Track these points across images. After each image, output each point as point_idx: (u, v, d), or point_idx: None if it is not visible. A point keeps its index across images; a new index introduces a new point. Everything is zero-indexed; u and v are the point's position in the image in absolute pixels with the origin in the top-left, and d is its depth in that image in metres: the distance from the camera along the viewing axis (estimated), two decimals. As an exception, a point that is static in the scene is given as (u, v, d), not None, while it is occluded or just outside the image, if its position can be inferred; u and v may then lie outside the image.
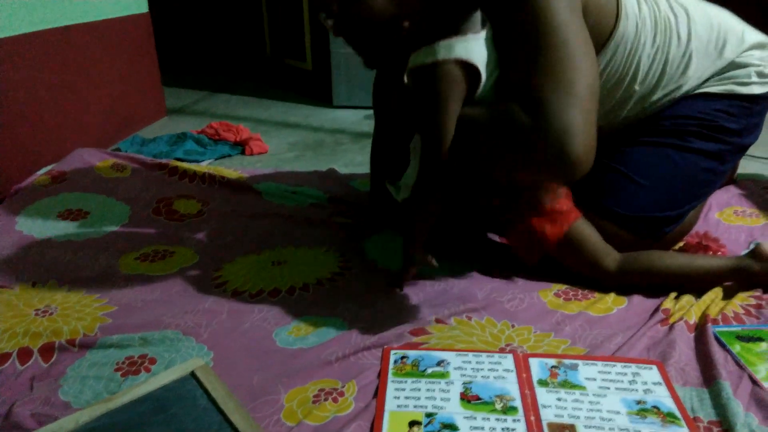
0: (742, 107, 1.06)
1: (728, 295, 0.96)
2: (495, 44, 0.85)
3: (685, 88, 1.04)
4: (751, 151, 1.67)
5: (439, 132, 0.83)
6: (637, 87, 1.01)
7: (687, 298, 0.95)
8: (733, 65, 1.05)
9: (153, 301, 0.97)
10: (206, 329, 0.89)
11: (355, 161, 1.79)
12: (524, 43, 0.81)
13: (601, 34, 0.94)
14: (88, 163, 1.48)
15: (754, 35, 1.09)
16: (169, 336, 0.86)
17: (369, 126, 2.12)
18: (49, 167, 1.47)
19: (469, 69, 0.82)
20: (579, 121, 0.78)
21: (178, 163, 1.54)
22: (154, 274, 1.06)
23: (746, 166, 1.58)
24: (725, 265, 0.98)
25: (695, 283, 0.98)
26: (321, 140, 2.01)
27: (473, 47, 0.82)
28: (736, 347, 0.84)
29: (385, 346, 0.84)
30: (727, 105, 1.04)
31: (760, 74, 1.06)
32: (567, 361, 0.81)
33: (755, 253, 0.98)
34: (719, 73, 1.06)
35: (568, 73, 0.80)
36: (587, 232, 0.98)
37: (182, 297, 0.98)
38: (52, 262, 1.09)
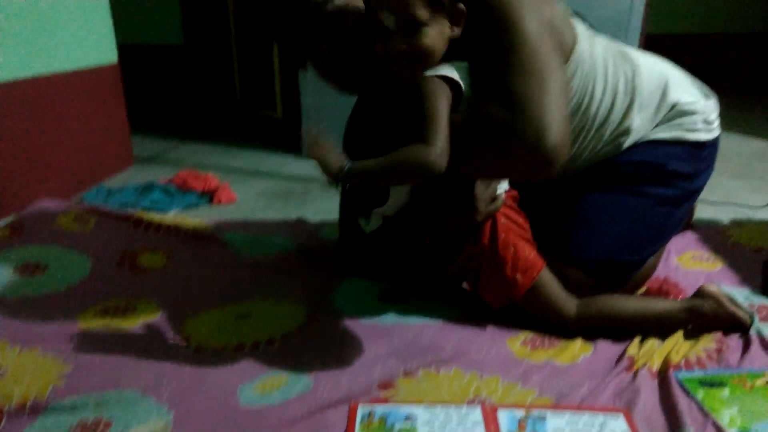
0: (691, 153, 1.11)
1: (689, 339, 0.98)
2: (472, 61, 0.91)
3: (633, 132, 1.08)
4: (706, 197, 1.75)
5: (437, 121, 0.86)
6: (592, 111, 1.05)
7: (650, 344, 0.96)
8: (681, 113, 1.11)
9: (111, 359, 0.93)
10: (167, 388, 0.86)
11: (324, 209, 1.79)
12: (499, 50, 0.88)
13: (563, 53, 0.99)
14: (49, 215, 1.45)
15: (696, 84, 1.17)
16: (126, 396, 0.83)
17: (339, 174, 2.14)
18: (8, 219, 1.44)
19: (452, 83, 0.89)
20: (553, 111, 0.84)
21: (144, 214, 1.52)
22: (114, 330, 1.02)
23: (702, 212, 1.64)
24: (679, 307, 1.01)
25: (653, 326, 1.00)
26: (290, 189, 2.01)
27: (452, 71, 0.91)
28: (700, 393, 0.85)
29: (352, 402, 0.82)
30: (678, 151, 1.10)
31: (706, 121, 1.12)
32: (535, 412, 0.81)
33: (701, 294, 1.01)
34: (668, 120, 1.11)
35: (539, 69, 0.86)
36: (549, 280, 1.00)
37: (142, 354, 0.95)
38: (4, 320, 1.04)
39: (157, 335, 1.01)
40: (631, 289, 1.11)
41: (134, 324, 1.05)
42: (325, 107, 2.37)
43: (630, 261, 1.07)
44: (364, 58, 0.97)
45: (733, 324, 1.00)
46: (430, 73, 0.89)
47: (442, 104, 0.87)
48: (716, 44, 3.86)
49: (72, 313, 1.08)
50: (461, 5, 0.89)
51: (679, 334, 0.99)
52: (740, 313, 1.00)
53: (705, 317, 0.99)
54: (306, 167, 2.27)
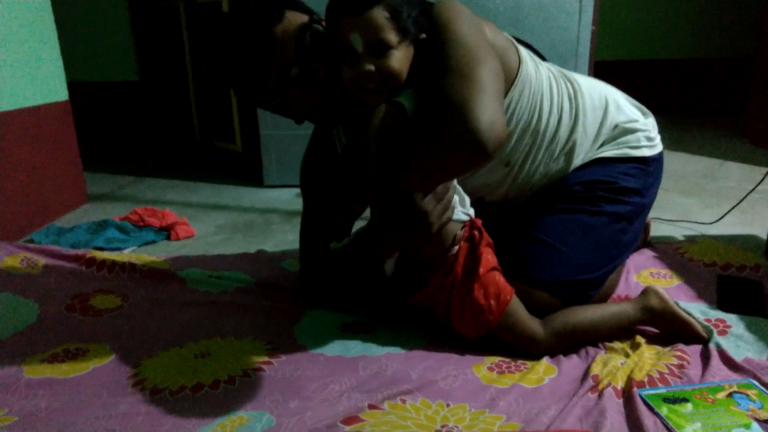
0: (637, 169, 1.16)
1: (651, 356, 0.99)
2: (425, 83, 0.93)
3: (580, 148, 1.13)
4: (660, 214, 1.81)
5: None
6: (542, 128, 1.08)
7: (614, 362, 0.97)
8: (624, 131, 1.17)
9: (59, 408, 0.88)
10: (120, 436, 0.81)
11: (286, 240, 1.77)
12: (436, 61, 0.91)
13: (509, 73, 1.03)
14: (-6, 259, 1.38)
15: (634, 103, 1.24)
16: (75, 448, 0.78)
17: (300, 204, 2.11)
18: (-51, 265, 1.36)
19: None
20: (483, 99, 0.84)
21: (96, 253, 1.46)
22: (63, 377, 0.97)
23: (658, 230, 1.69)
24: (632, 306, 1.06)
25: (614, 328, 1.04)
26: (251, 221, 1.98)
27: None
28: (664, 410, 0.86)
29: (318, 439, 0.79)
30: (625, 168, 1.14)
31: (648, 138, 1.19)
32: (504, 439, 0.80)
33: (647, 292, 1.07)
34: (612, 139, 1.16)
35: (469, 66, 0.88)
36: (518, 304, 1.01)
37: (94, 401, 0.90)
38: (-57, 373, 0.98)
39: (109, 379, 0.96)
40: None
41: (85, 369, 0.99)
42: (284, 138, 2.37)
43: (592, 279, 1.09)
44: (336, 98, 0.99)
45: (681, 327, 1.04)
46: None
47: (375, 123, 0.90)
48: (661, 69, 4.04)
49: (17, 361, 1.01)
50: (423, 35, 0.92)
51: (640, 351, 1.00)
52: (683, 315, 1.04)
53: (656, 313, 1.05)
54: (267, 198, 2.25)
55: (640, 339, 1.04)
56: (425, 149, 0.86)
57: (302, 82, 0.97)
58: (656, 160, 1.20)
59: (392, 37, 0.87)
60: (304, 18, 0.97)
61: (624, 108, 1.19)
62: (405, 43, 0.89)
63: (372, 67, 0.87)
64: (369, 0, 0.86)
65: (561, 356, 1.01)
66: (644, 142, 1.18)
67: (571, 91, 1.13)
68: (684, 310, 1.06)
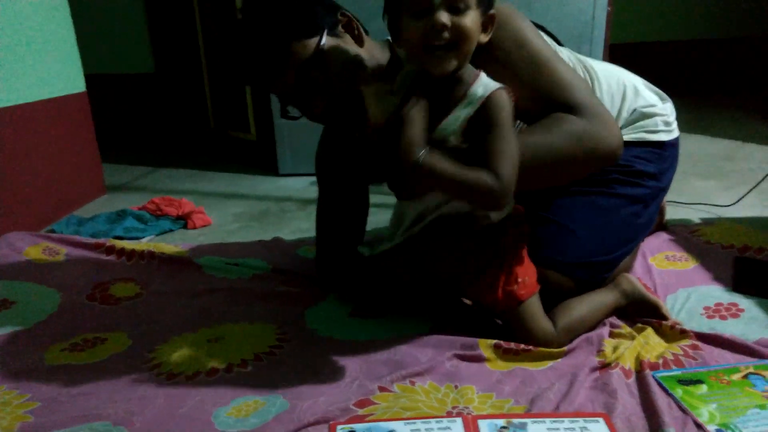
0: (653, 153, 1.15)
1: (660, 341, 0.99)
2: None
3: None
4: (677, 197, 1.78)
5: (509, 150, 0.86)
6: None
7: (617, 343, 0.97)
8: (642, 116, 1.16)
9: (80, 393, 0.91)
10: (139, 418, 0.84)
11: (301, 228, 1.78)
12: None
13: None
14: (16, 249, 1.42)
15: (652, 88, 1.22)
16: (97, 429, 0.81)
17: (315, 192, 2.10)
18: (-26, 255, 1.40)
19: None
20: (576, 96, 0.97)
21: (116, 242, 1.49)
22: (83, 364, 1.00)
23: (674, 213, 1.66)
24: (612, 292, 1.07)
25: (603, 317, 1.05)
26: (267, 209, 2.00)
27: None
28: (678, 391, 0.85)
29: (331, 422, 0.80)
30: (641, 151, 1.14)
31: (666, 123, 1.18)
32: (516, 421, 0.80)
33: (620, 278, 1.09)
34: (630, 124, 1.16)
35: (550, 67, 0.98)
36: (538, 301, 1.00)
37: (112, 385, 0.93)
38: (-31, 359, 1.01)
39: (127, 365, 0.99)
40: None
41: (104, 356, 1.02)
42: (299, 127, 2.37)
43: (606, 261, 1.08)
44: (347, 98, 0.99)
45: (649, 309, 1.06)
46: (482, 80, 0.86)
47: (512, 131, 0.85)
48: (678, 50, 3.96)
49: (39, 350, 1.05)
50: (493, 11, 0.87)
51: (646, 333, 1.00)
52: (651, 297, 1.06)
53: (628, 295, 1.07)
54: (282, 187, 2.27)
55: (646, 325, 1.03)
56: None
57: (309, 91, 0.99)
58: (673, 145, 1.19)
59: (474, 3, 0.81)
60: (312, 45, 0.97)
61: (642, 93, 1.18)
62: (480, 11, 0.83)
63: (446, 20, 0.80)
64: None
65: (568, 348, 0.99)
66: (661, 127, 1.17)
67: (588, 79, 1.12)
68: (651, 295, 1.08)
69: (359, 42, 1.04)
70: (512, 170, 0.83)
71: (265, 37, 0.96)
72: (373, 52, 1.05)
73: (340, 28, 1.02)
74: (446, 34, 0.81)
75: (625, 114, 1.15)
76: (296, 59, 0.96)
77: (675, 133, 1.20)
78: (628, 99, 1.15)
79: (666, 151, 1.17)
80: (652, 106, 1.17)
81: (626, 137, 1.13)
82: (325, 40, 0.97)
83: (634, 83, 1.19)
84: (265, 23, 0.97)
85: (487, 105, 0.85)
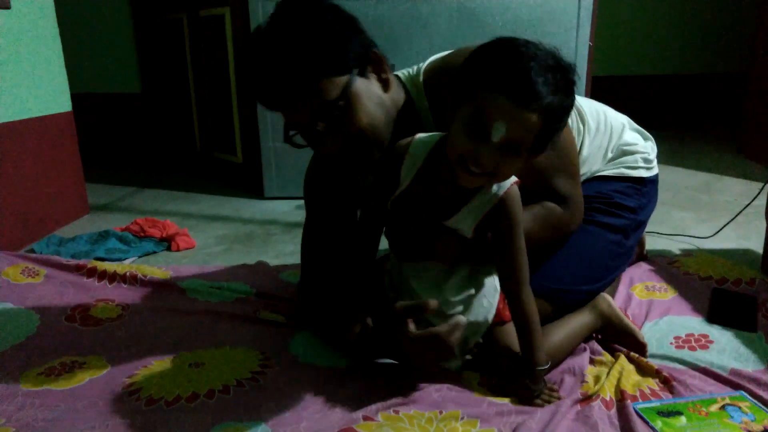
0: (633, 188, 1.20)
1: (631, 367, 1.01)
2: None
3: (583, 171, 1.16)
4: (657, 228, 1.82)
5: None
6: None
7: (596, 374, 0.99)
8: (623, 152, 1.21)
9: (56, 418, 0.89)
10: (116, 445, 0.82)
11: (286, 251, 1.78)
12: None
13: None
14: (-5, 268, 1.39)
15: (635, 127, 1.27)
16: (72, 457, 0.79)
17: (301, 216, 2.12)
18: (-50, 274, 1.37)
19: None
20: (571, 188, 1.06)
21: (98, 263, 1.47)
22: (60, 388, 0.97)
23: (654, 244, 1.70)
24: (589, 314, 1.08)
25: (581, 339, 1.06)
26: (251, 232, 1.99)
27: None
28: (658, 423, 0.86)
29: (313, 450, 0.80)
30: (621, 186, 1.18)
31: (646, 160, 1.22)
32: (499, 451, 0.80)
33: (599, 299, 1.10)
34: (612, 159, 1.21)
35: (574, 165, 1.06)
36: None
37: (89, 411, 0.91)
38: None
39: (104, 390, 0.97)
40: None
41: (81, 381, 1.00)
42: (285, 150, 2.39)
43: (589, 290, 1.10)
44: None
45: (625, 334, 1.07)
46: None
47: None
48: (657, 85, 4.07)
49: (15, 374, 1.02)
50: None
51: (621, 362, 1.01)
52: (628, 323, 1.07)
53: (605, 318, 1.08)
54: (267, 210, 2.26)
55: (619, 353, 1.05)
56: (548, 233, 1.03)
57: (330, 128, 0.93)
58: (652, 182, 1.24)
59: (527, 145, 0.79)
60: (341, 84, 0.90)
61: (625, 133, 1.23)
62: (528, 156, 0.82)
63: (495, 161, 0.79)
64: (538, 103, 0.76)
65: (551, 375, 1.00)
66: (641, 164, 1.22)
67: (576, 118, 1.15)
68: (627, 320, 1.09)
69: (385, 86, 0.98)
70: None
71: (293, 65, 0.87)
72: (393, 96, 1.00)
73: (369, 68, 0.95)
74: (485, 170, 0.80)
75: (609, 154, 1.21)
76: (321, 98, 0.89)
77: (654, 171, 1.25)
78: (614, 139, 1.20)
79: (645, 187, 1.22)
80: (634, 144, 1.22)
81: (607, 172, 1.19)
82: (354, 81, 0.91)
83: (622, 122, 1.24)
84: (296, 50, 0.87)
85: (505, 203, 0.89)
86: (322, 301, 1.13)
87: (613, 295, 1.23)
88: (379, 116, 0.95)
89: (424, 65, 1.05)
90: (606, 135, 1.20)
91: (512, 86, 0.76)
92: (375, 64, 0.96)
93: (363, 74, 0.94)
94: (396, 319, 0.89)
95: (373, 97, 0.94)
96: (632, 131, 1.26)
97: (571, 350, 1.04)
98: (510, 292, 0.93)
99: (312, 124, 0.92)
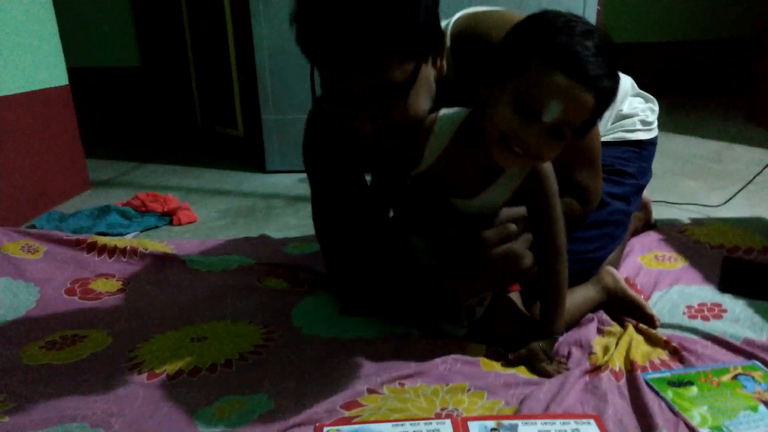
0: (632, 152, 1.18)
1: (640, 337, 0.99)
2: None
3: None
4: (667, 197, 1.79)
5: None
6: None
7: (604, 345, 0.97)
8: (621, 116, 1.19)
9: (57, 392, 0.88)
10: (118, 419, 0.81)
11: (288, 224, 1.76)
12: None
13: None
14: (-5, 244, 1.38)
15: (638, 90, 1.25)
16: (73, 431, 0.78)
17: (303, 189, 2.10)
18: (-51, 250, 1.36)
19: None
20: (592, 180, 1.02)
21: (98, 238, 1.46)
22: (61, 363, 0.96)
23: (664, 212, 1.66)
24: (593, 288, 1.05)
25: (585, 312, 1.04)
26: (253, 206, 1.97)
27: None
28: (669, 394, 0.85)
29: (317, 424, 0.78)
30: (621, 151, 1.16)
31: (644, 122, 1.20)
32: (506, 422, 0.79)
33: (603, 273, 1.08)
34: (611, 124, 1.19)
35: (598, 160, 1.01)
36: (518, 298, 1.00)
37: (91, 385, 0.90)
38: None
39: (107, 364, 0.96)
40: None
41: (82, 355, 0.99)
42: (287, 123, 2.35)
43: (595, 258, 1.08)
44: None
45: (632, 307, 1.05)
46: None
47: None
48: (666, 52, 3.98)
49: (16, 348, 1.01)
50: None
51: (629, 332, 1.00)
52: (634, 295, 1.05)
53: (610, 292, 1.05)
54: (269, 184, 2.24)
55: (627, 323, 1.03)
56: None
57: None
58: (652, 144, 1.22)
59: (576, 128, 0.75)
60: (409, 69, 0.80)
61: (626, 101, 1.21)
62: (573, 138, 0.77)
63: (541, 144, 0.74)
64: (599, 83, 0.72)
65: (558, 347, 0.98)
66: (639, 126, 1.20)
67: None
68: (634, 293, 1.07)
69: (439, 73, 0.88)
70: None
71: (373, 27, 0.74)
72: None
73: (434, 54, 0.85)
74: (530, 152, 0.76)
75: (609, 123, 1.19)
76: (387, 76, 0.78)
77: (654, 132, 1.22)
78: (616, 106, 1.18)
79: (645, 150, 1.20)
80: (634, 108, 1.21)
81: (607, 137, 1.17)
82: (422, 69, 0.81)
83: (626, 89, 1.21)
84: (380, 12, 0.74)
85: (538, 174, 0.85)
86: (357, 274, 1.08)
87: (617, 264, 1.21)
88: (428, 106, 0.86)
89: (451, 23, 0.93)
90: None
91: (573, 62, 0.70)
92: (440, 50, 0.87)
93: (428, 60, 0.84)
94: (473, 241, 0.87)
95: (430, 88, 0.86)
96: (633, 96, 1.24)
97: (573, 322, 1.02)
98: (545, 261, 0.90)
99: (361, 100, 0.80)
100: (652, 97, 1.26)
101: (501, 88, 0.76)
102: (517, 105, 0.73)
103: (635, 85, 1.26)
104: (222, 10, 2.39)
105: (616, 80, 0.76)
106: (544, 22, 0.74)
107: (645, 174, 1.21)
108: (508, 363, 0.93)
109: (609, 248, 1.12)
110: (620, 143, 1.17)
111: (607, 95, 0.74)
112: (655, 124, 1.23)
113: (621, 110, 1.19)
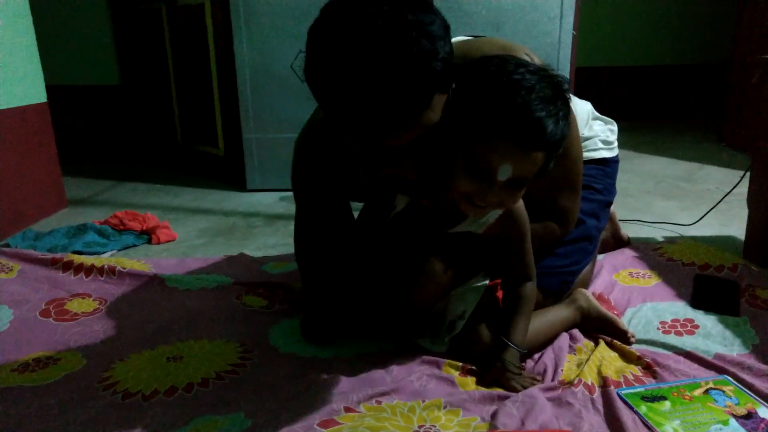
0: (598, 169, 1.23)
1: (614, 353, 1.01)
2: None
3: None
4: (641, 216, 1.83)
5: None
6: None
7: (576, 361, 0.98)
8: (583, 138, 1.23)
9: (29, 415, 0.86)
10: (91, 441, 0.80)
11: (268, 243, 1.75)
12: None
13: None
14: (-34, 263, 1.35)
15: (597, 115, 1.31)
16: (45, 454, 0.76)
17: (283, 207, 2.10)
18: None
19: None
20: (573, 204, 1.08)
21: (74, 257, 1.44)
22: (34, 385, 0.94)
23: (638, 231, 1.70)
24: (567, 308, 1.08)
25: (558, 332, 1.06)
26: (233, 225, 1.96)
27: None
28: (642, 408, 0.86)
29: (294, 443, 0.78)
30: (587, 168, 1.18)
31: (605, 142, 1.26)
32: (483, 439, 0.79)
33: (576, 294, 1.11)
34: None
35: (578, 183, 1.06)
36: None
37: (64, 405, 0.88)
38: None
39: (80, 385, 0.94)
40: None
41: (56, 377, 0.97)
42: (267, 142, 2.36)
43: (570, 271, 1.11)
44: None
45: (605, 324, 1.07)
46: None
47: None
48: (639, 76, 4.09)
49: (-13, 369, 0.99)
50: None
51: (601, 348, 1.01)
52: (607, 313, 1.08)
53: (584, 311, 1.08)
54: (249, 202, 2.23)
55: (600, 339, 1.05)
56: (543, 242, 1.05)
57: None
58: (615, 161, 1.28)
59: (532, 175, 0.80)
60: (443, 101, 0.77)
61: (590, 123, 1.27)
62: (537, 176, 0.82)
63: (501, 197, 0.80)
64: (544, 142, 0.76)
65: (530, 363, 1.00)
66: (601, 145, 1.25)
67: None
68: (607, 311, 1.09)
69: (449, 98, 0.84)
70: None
71: (410, 81, 0.69)
72: None
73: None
74: (492, 204, 0.82)
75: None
76: (429, 118, 0.74)
77: (615, 151, 1.29)
78: (585, 132, 1.24)
79: (609, 168, 1.26)
80: (594, 130, 1.27)
81: None
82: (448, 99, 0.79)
83: (587, 111, 1.27)
84: (411, 62, 0.68)
85: (510, 217, 0.92)
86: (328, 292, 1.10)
87: (590, 277, 1.25)
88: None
89: None
90: (582, 125, 1.23)
91: (515, 130, 0.74)
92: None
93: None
94: None
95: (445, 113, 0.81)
96: (594, 120, 1.29)
97: (546, 341, 1.03)
98: (514, 285, 0.97)
99: (406, 149, 0.78)
100: (610, 120, 1.32)
101: (457, 155, 0.80)
102: (473, 170, 0.78)
103: (594, 111, 1.31)
104: (204, 29, 2.41)
105: (566, 124, 0.78)
106: (486, 82, 0.77)
107: (610, 190, 1.26)
108: (482, 381, 0.94)
109: (583, 262, 1.16)
110: (586, 161, 1.21)
111: (556, 145, 0.78)
112: (616, 144, 1.29)
113: (583, 134, 1.23)
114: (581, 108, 1.26)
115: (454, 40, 0.95)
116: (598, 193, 1.21)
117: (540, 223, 1.05)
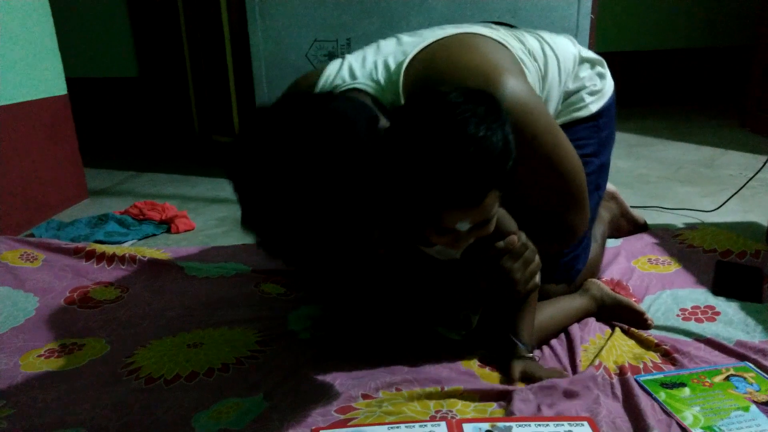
0: (588, 128, 1.10)
1: (632, 341, 1.01)
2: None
3: None
4: (661, 203, 1.80)
5: None
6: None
7: (593, 349, 0.98)
8: (568, 94, 1.09)
9: (56, 399, 0.88)
10: (116, 423, 0.82)
11: (285, 233, 1.76)
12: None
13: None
14: (-7, 253, 1.39)
15: (588, 56, 1.14)
16: (72, 436, 0.78)
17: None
18: (-52, 259, 1.37)
19: None
20: (580, 220, 1.00)
21: (96, 246, 1.47)
22: (59, 370, 0.97)
23: (658, 218, 1.68)
24: (580, 297, 1.07)
25: (573, 321, 1.05)
26: (251, 214, 1.98)
27: None
28: (661, 395, 0.85)
29: (312, 428, 0.79)
30: (574, 132, 1.07)
31: (591, 93, 1.10)
32: (501, 425, 0.80)
33: (588, 284, 1.10)
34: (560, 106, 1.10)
35: (572, 189, 0.97)
36: None
37: (89, 391, 0.90)
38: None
39: (104, 371, 0.97)
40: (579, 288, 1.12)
41: (81, 362, 1.00)
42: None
43: (573, 256, 1.09)
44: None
45: (622, 311, 1.06)
46: None
47: None
48: (660, 60, 4.01)
49: (14, 357, 1.02)
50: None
51: (617, 335, 1.01)
52: (623, 299, 1.07)
53: (598, 300, 1.07)
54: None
55: (617, 326, 1.05)
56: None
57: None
58: (606, 110, 1.12)
59: (496, 207, 0.80)
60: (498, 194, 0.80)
61: (571, 75, 1.11)
62: (499, 201, 0.81)
63: (474, 236, 0.82)
64: (486, 187, 0.75)
65: (547, 352, 0.99)
66: (587, 100, 1.10)
67: (544, 63, 1.05)
68: (622, 297, 1.08)
69: None
70: None
71: (478, 175, 0.74)
72: None
73: None
74: (468, 243, 0.84)
75: (560, 101, 1.10)
76: (490, 209, 0.79)
77: (606, 96, 1.12)
78: (562, 86, 1.09)
79: (600, 120, 1.11)
80: (580, 79, 1.11)
81: (560, 121, 1.09)
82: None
83: (574, 58, 1.11)
84: (475, 158, 0.73)
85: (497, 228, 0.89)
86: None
87: (599, 262, 1.23)
88: None
89: (402, 70, 0.90)
90: (570, 79, 1.10)
91: (459, 198, 0.75)
92: None
93: None
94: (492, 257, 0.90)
95: None
96: (580, 65, 1.12)
97: (559, 330, 1.03)
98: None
99: (466, 233, 0.82)
100: (599, 57, 1.15)
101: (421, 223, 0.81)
102: (439, 230, 0.80)
103: (581, 50, 1.13)
104: (219, 20, 2.41)
105: (509, 151, 0.76)
106: (416, 159, 0.74)
107: (606, 144, 1.14)
108: (500, 372, 0.94)
109: (585, 241, 1.12)
110: (574, 123, 1.09)
111: (507, 175, 0.77)
112: (607, 85, 1.13)
113: (568, 88, 1.10)
114: (566, 53, 1.09)
115: (437, 36, 0.95)
116: (591, 157, 1.09)
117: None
